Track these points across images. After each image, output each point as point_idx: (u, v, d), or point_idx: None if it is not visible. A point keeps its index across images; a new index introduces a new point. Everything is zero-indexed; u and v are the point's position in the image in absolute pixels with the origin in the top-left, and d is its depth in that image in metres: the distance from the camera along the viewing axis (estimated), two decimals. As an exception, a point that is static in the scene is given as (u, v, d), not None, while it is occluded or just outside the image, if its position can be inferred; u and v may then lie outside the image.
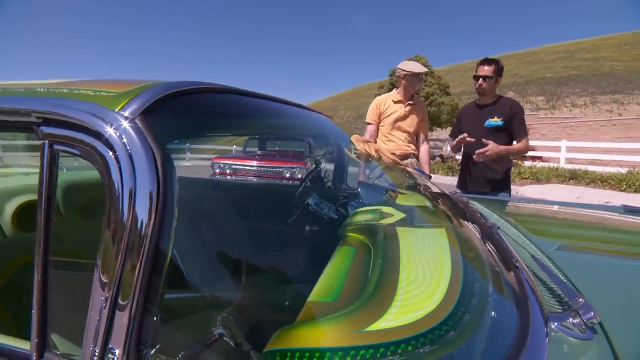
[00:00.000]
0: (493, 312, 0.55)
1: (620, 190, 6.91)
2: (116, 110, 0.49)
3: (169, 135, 0.49)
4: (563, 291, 0.61)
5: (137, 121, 0.48)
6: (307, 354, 0.46)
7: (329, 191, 1.88)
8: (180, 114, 0.56)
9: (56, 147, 0.50)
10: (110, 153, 0.46)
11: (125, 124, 0.48)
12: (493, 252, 0.76)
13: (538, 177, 8.18)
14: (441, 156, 11.28)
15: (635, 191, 6.79)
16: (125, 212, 0.44)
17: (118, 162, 0.45)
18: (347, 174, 2.14)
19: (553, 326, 0.53)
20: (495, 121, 2.19)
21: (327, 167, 2.20)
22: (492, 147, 2.07)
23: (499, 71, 2.21)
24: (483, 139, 2.11)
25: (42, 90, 0.54)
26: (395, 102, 2.59)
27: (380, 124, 2.65)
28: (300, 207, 1.46)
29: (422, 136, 2.69)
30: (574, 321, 0.53)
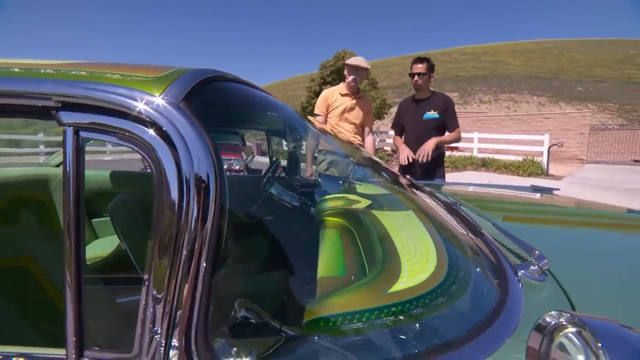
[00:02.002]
0: (478, 269, 0.68)
1: (518, 175, 8.27)
2: (158, 95, 0.47)
3: (207, 121, 0.48)
4: (521, 247, 0.78)
5: (181, 106, 0.47)
6: (348, 317, 0.52)
7: (286, 181, 1.93)
8: (214, 100, 0.55)
9: (83, 134, 0.45)
10: (161, 139, 0.44)
11: (172, 108, 0.46)
12: (461, 223, 0.91)
13: (456, 165, 9.30)
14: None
15: (528, 175, 8.22)
16: (184, 199, 0.43)
17: (174, 148, 0.43)
18: (300, 167, 2.21)
19: (520, 274, 0.68)
20: (432, 114, 2.45)
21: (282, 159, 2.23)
22: (427, 144, 2.33)
23: (431, 68, 2.47)
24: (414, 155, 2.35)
25: (52, 72, 0.48)
26: (343, 95, 2.71)
27: (329, 116, 2.76)
28: (265, 197, 1.49)
29: (367, 128, 2.86)
30: (534, 268, 0.69)
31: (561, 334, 0.38)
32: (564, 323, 0.38)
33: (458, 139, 2.55)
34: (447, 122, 2.47)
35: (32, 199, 1.76)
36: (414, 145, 2.53)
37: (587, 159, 10.54)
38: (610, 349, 0.32)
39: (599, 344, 0.33)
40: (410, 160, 2.42)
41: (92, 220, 2.02)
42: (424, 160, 2.33)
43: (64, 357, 0.45)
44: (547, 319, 0.40)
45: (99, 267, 1.49)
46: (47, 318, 0.87)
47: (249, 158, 8.77)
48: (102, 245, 1.86)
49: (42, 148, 10.92)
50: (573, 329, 0.37)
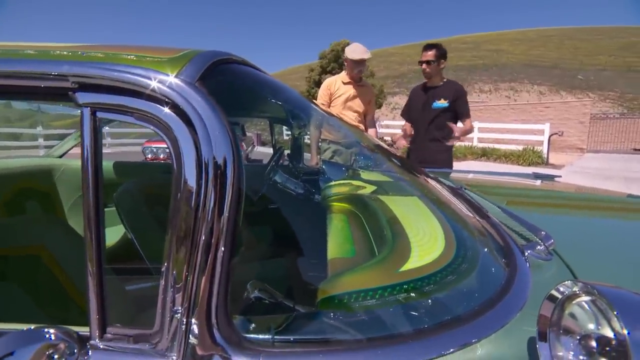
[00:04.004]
0: (486, 249, 0.69)
1: (518, 165, 8.28)
2: (174, 75, 0.47)
3: (222, 101, 0.49)
4: (527, 228, 0.79)
5: (197, 85, 0.47)
6: (362, 294, 0.53)
7: (290, 169, 1.94)
8: (227, 81, 0.55)
9: (100, 114, 0.46)
10: (178, 118, 0.44)
11: (188, 87, 0.46)
12: (467, 207, 0.92)
13: (457, 155, 9.29)
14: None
15: (529, 165, 8.23)
16: (203, 178, 0.43)
17: (191, 127, 0.43)
18: (304, 155, 2.21)
19: (527, 253, 0.69)
20: (442, 103, 2.39)
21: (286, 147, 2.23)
22: (457, 130, 2.35)
23: (441, 55, 2.38)
24: (449, 123, 2.36)
25: (67, 53, 0.48)
26: (345, 84, 2.70)
27: (332, 105, 2.75)
28: (270, 185, 1.50)
29: (369, 116, 2.86)
30: (540, 248, 0.70)
31: (574, 302, 0.39)
32: (577, 292, 0.39)
33: (471, 130, 2.52)
34: (458, 111, 2.42)
35: (36, 190, 1.77)
36: (419, 133, 2.51)
37: (587, 148, 10.53)
38: (625, 315, 0.33)
39: (614, 312, 0.34)
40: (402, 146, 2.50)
41: None
42: (455, 141, 2.39)
43: (88, 334, 0.46)
44: (561, 289, 0.41)
45: (106, 257, 1.50)
46: (58, 303, 0.89)
47: (250, 148, 8.77)
48: (108, 236, 1.87)
49: (41, 141, 10.88)
50: (587, 298, 0.38)
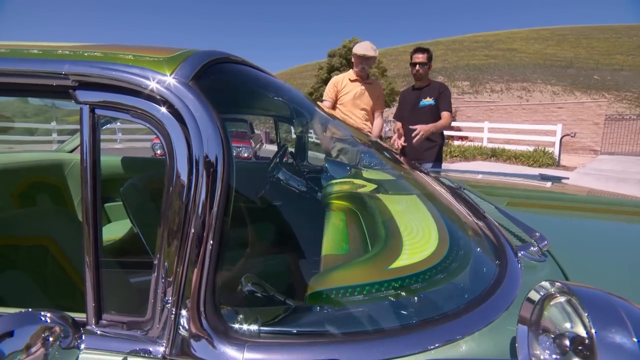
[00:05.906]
0: (478, 249, 0.70)
1: (529, 166, 8.14)
2: (169, 75, 0.49)
3: (216, 101, 0.50)
4: (522, 229, 0.79)
5: (190, 84, 0.49)
6: (350, 290, 0.55)
7: (293, 167, 1.95)
8: (223, 81, 0.57)
9: (98, 111, 0.48)
10: (172, 116, 0.46)
11: (182, 87, 0.48)
12: (464, 207, 0.92)
13: (466, 155, 9.18)
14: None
15: (539, 166, 8.08)
16: (194, 174, 0.45)
17: (184, 125, 0.45)
18: (307, 153, 2.23)
19: (520, 254, 0.69)
20: (428, 101, 2.56)
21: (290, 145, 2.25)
22: (420, 127, 2.38)
23: (430, 58, 2.56)
24: (411, 126, 2.44)
25: (69, 52, 0.51)
26: (352, 81, 2.71)
27: (339, 102, 2.76)
28: (273, 182, 1.52)
29: (377, 113, 2.86)
30: (534, 249, 0.70)
31: (551, 303, 0.39)
32: (554, 293, 0.40)
33: (448, 123, 2.57)
34: (439, 105, 2.54)
35: (47, 183, 1.82)
36: (409, 132, 2.59)
37: (601, 150, 10.28)
38: (594, 315, 0.33)
39: (585, 313, 0.35)
40: (399, 146, 2.60)
41: (105, 205, 2.08)
42: (417, 139, 2.39)
43: (85, 320, 0.48)
44: (539, 290, 0.42)
45: (112, 250, 1.54)
46: (65, 291, 0.92)
47: (258, 146, 8.83)
48: (115, 229, 1.92)
49: (55, 136, 11.12)
50: (562, 298, 0.38)
